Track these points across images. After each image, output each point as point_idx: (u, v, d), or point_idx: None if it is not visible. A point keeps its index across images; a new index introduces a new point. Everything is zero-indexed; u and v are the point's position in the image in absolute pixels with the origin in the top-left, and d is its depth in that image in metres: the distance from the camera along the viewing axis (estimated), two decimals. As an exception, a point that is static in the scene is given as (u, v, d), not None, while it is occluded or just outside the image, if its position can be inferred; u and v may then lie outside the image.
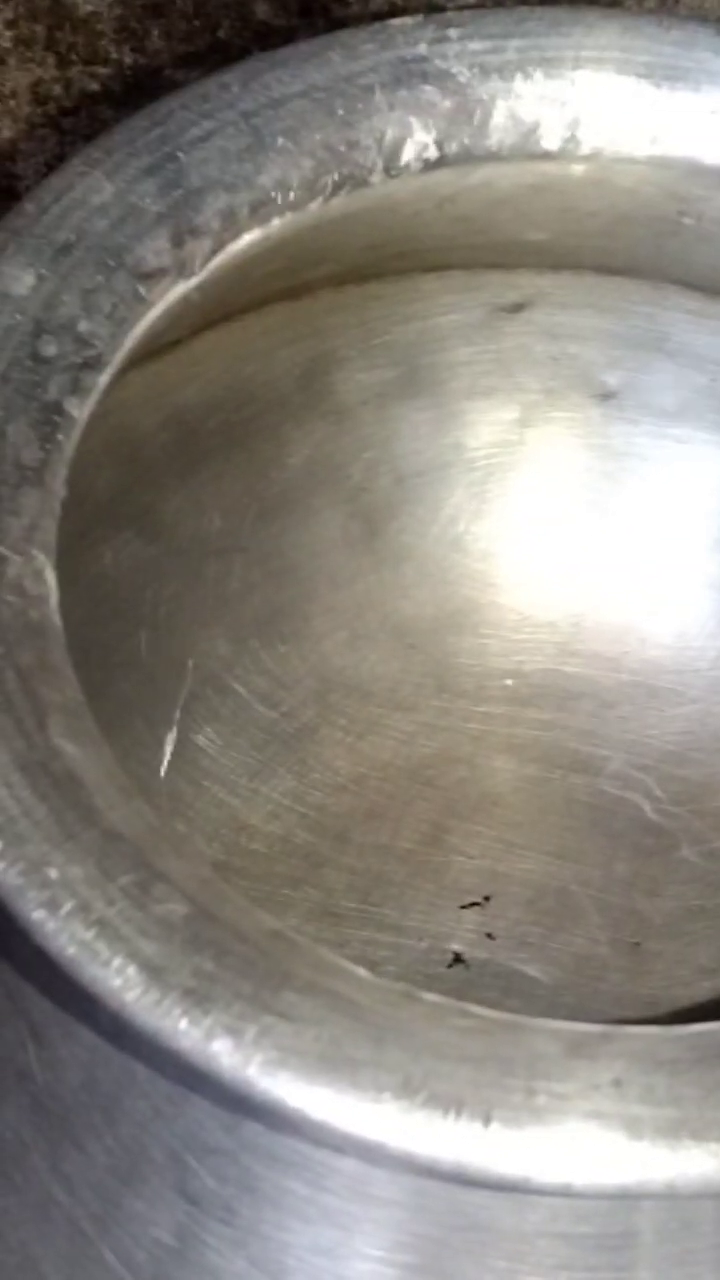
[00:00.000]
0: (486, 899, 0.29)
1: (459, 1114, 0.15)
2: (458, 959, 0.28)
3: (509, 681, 0.31)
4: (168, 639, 0.30)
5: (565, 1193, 0.15)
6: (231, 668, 0.30)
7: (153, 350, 0.27)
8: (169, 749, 0.28)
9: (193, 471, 0.30)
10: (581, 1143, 0.15)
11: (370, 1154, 0.16)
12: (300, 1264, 0.18)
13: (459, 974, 0.28)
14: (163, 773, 0.28)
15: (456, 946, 0.28)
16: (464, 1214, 0.18)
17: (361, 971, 0.17)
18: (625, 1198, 0.15)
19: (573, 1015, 0.27)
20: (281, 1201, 0.18)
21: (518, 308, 0.31)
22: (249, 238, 0.23)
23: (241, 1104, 0.16)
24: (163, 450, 0.29)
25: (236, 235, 0.23)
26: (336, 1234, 0.18)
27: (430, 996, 0.17)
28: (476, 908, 0.29)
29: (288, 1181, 0.18)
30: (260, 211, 0.23)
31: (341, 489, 0.31)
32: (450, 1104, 0.15)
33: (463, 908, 0.29)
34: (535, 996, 0.28)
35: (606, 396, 0.31)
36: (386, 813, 0.30)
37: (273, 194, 0.23)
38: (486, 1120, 0.15)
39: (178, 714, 0.29)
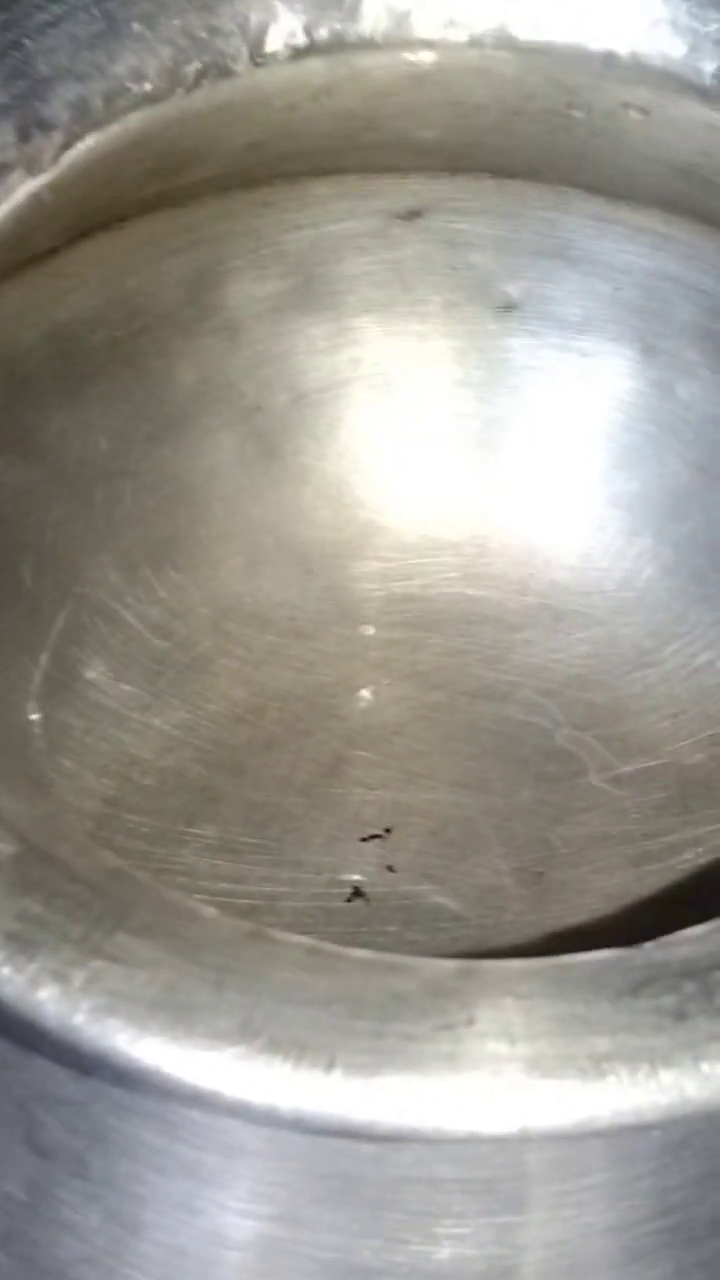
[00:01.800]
0: (387, 831, 0.28)
1: (299, 1059, 0.14)
2: (358, 893, 0.28)
3: (411, 606, 0.30)
4: (53, 568, 0.29)
5: (413, 1139, 0.14)
6: (122, 596, 0.29)
7: (25, 260, 0.26)
8: (38, 679, 0.27)
9: (76, 390, 0.29)
10: (429, 1086, 0.15)
11: (208, 1104, 0.15)
12: (157, 1217, 0.18)
13: (359, 908, 0.27)
14: (32, 704, 0.27)
15: (357, 880, 0.28)
16: (324, 1161, 0.17)
17: (208, 910, 0.16)
18: (476, 1143, 0.14)
19: (475, 947, 0.27)
20: (135, 1153, 0.17)
21: (414, 214, 0.30)
22: (106, 132, 0.22)
23: (73, 1058, 0.15)
24: (43, 368, 0.28)
25: (90, 129, 0.21)
26: (193, 1185, 0.17)
27: (281, 935, 0.16)
28: (377, 840, 0.28)
29: (141, 1132, 0.17)
30: (116, 103, 0.22)
31: (235, 408, 0.30)
32: (291, 1048, 0.15)
33: (363, 840, 0.28)
34: (438, 929, 0.27)
35: (508, 308, 0.30)
36: (285, 744, 0.29)
37: (128, 84, 0.22)
38: (329, 1065, 0.14)
39: (66, 646, 0.28)
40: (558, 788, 0.29)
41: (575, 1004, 0.15)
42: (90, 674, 0.29)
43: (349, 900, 0.27)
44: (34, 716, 0.26)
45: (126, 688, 0.29)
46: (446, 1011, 0.15)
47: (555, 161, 0.28)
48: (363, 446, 0.31)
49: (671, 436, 0.30)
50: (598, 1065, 0.15)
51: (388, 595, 0.31)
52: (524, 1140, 0.14)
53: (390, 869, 0.28)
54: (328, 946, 0.16)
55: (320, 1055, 0.15)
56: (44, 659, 0.28)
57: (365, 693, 0.30)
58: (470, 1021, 0.15)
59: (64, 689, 0.28)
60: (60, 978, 0.15)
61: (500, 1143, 0.14)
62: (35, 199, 0.22)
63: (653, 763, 0.29)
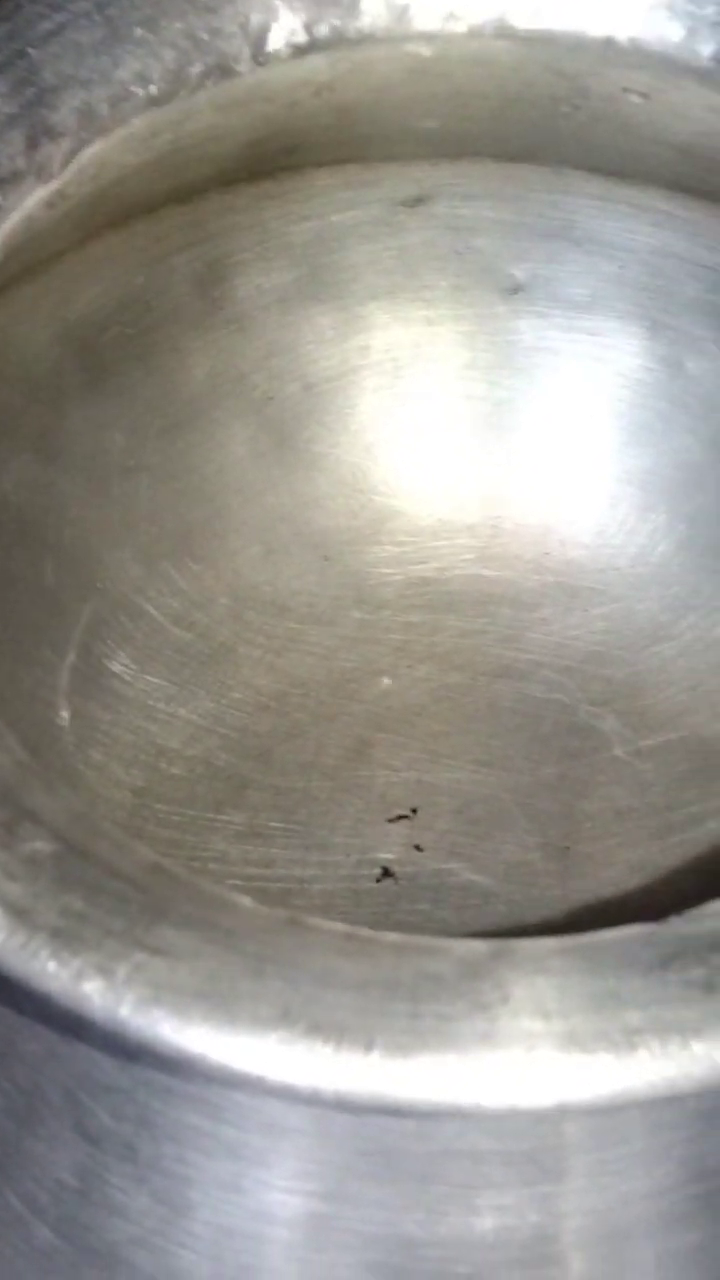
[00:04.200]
0: (414, 811, 0.28)
1: (340, 1042, 0.15)
2: (386, 873, 0.28)
3: (428, 589, 0.31)
4: (74, 563, 0.29)
5: (454, 1115, 0.15)
6: (143, 590, 0.29)
7: (37, 262, 0.26)
8: (66, 675, 0.27)
9: (90, 388, 0.29)
10: (467, 1064, 0.15)
11: (252, 1087, 0.15)
12: (205, 1198, 0.18)
13: (388, 888, 0.28)
14: (61, 700, 0.27)
15: (385, 860, 0.28)
16: (368, 1138, 0.17)
17: (245, 901, 0.16)
18: (514, 1118, 0.15)
19: (504, 923, 0.27)
20: (181, 1136, 0.18)
21: (417, 201, 0.30)
22: (113, 137, 0.22)
23: (120, 1046, 0.16)
24: (56, 367, 0.28)
25: (97, 134, 0.22)
26: (239, 1166, 0.18)
27: (316, 922, 0.16)
28: (404, 820, 0.28)
29: (186, 1116, 0.18)
30: (121, 108, 0.22)
31: (247, 400, 0.30)
32: (331, 1032, 0.15)
33: (390, 821, 0.28)
34: (466, 906, 0.28)
35: (514, 290, 0.31)
36: (309, 730, 0.29)
37: (133, 88, 0.22)
38: (369, 1047, 0.15)
39: (91, 640, 0.29)
40: (580, 763, 0.29)
41: (607, 979, 0.16)
42: (115, 667, 0.29)
43: (379, 881, 0.28)
44: (64, 714, 0.27)
45: (151, 679, 0.29)
46: (480, 991, 0.15)
47: (557, 145, 0.28)
48: (375, 433, 0.31)
49: (681, 412, 0.30)
50: (630, 1039, 0.15)
51: (405, 579, 0.31)
52: (560, 1114, 0.15)
53: (418, 848, 0.28)
54: (363, 932, 0.16)
55: (359, 1037, 0.15)
56: (71, 655, 0.29)
57: (386, 676, 0.30)
58: (504, 1000, 0.15)
59: (90, 683, 0.29)
60: (105, 971, 0.15)
61: (537, 1117, 0.15)
62: (47, 206, 0.22)
63: (673, 735, 0.29)
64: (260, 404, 0.30)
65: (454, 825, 0.28)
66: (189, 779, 0.28)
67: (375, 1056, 0.15)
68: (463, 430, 0.31)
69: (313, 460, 0.31)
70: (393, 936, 0.16)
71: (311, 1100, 0.15)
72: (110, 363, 0.29)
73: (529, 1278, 0.18)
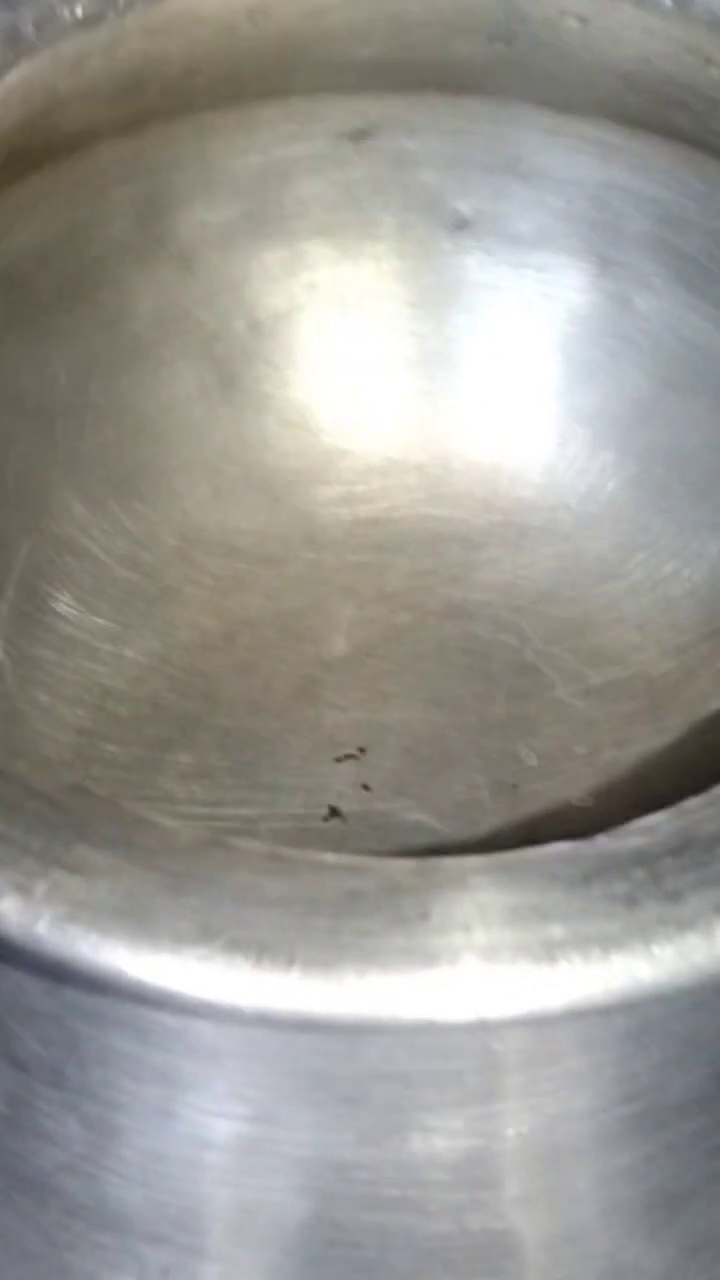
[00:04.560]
0: (362, 750, 0.28)
1: (260, 958, 0.15)
2: (334, 812, 0.28)
3: (377, 529, 0.31)
4: (17, 503, 0.29)
5: (373, 1030, 0.15)
6: (88, 529, 0.29)
7: (-29, 196, 0.26)
8: (4, 613, 0.27)
9: (32, 325, 0.29)
10: (389, 979, 0.15)
11: (172, 1005, 0.15)
12: (135, 1123, 0.18)
13: (336, 827, 0.28)
14: (5, 641, 0.27)
15: (333, 799, 0.28)
16: (296, 1060, 0.17)
17: (165, 822, 0.16)
18: (436, 1033, 0.15)
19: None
20: (109, 1061, 0.18)
21: (362, 135, 0.30)
22: (39, 59, 0.21)
23: (39, 965, 0.16)
24: (-2, 304, 0.28)
25: (22, 55, 0.21)
26: (167, 1090, 0.18)
27: (239, 842, 0.16)
28: (352, 760, 0.28)
29: (114, 1041, 0.18)
30: (46, 29, 0.22)
31: (193, 338, 0.30)
32: (251, 948, 0.15)
33: (338, 760, 0.28)
34: (414, 845, 0.28)
35: (460, 226, 0.30)
36: (256, 669, 0.29)
37: (59, 10, 0.22)
38: (289, 963, 0.15)
39: (15, 575, 0.28)
40: (529, 702, 0.29)
41: (529, 894, 0.16)
42: (59, 607, 0.29)
43: (326, 820, 0.28)
44: (1, 654, 0.26)
45: (96, 619, 0.29)
46: (402, 906, 0.15)
47: (500, 76, 0.28)
48: (322, 372, 0.31)
49: (630, 349, 0.30)
50: (550, 952, 0.15)
51: (353, 519, 0.31)
52: (482, 1028, 0.15)
53: (366, 788, 0.28)
54: (285, 851, 0.16)
55: (280, 953, 0.15)
56: (10, 594, 0.28)
57: (334, 616, 0.30)
58: (425, 915, 0.15)
59: (33, 623, 0.28)
60: (22, 889, 0.15)
61: (460, 1031, 0.15)
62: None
63: (622, 674, 0.29)
64: (206, 342, 0.30)
65: (402, 764, 0.28)
66: (135, 719, 0.28)
67: (295, 972, 0.15)
68: (411, 369, 0.31)
69: (260, 400, 0.30)
70: (316, 855, 0.16)
71: (232, 1017, 0.15)
72: (51, 300, 0.29)
73: (461, 1200, 0.19)
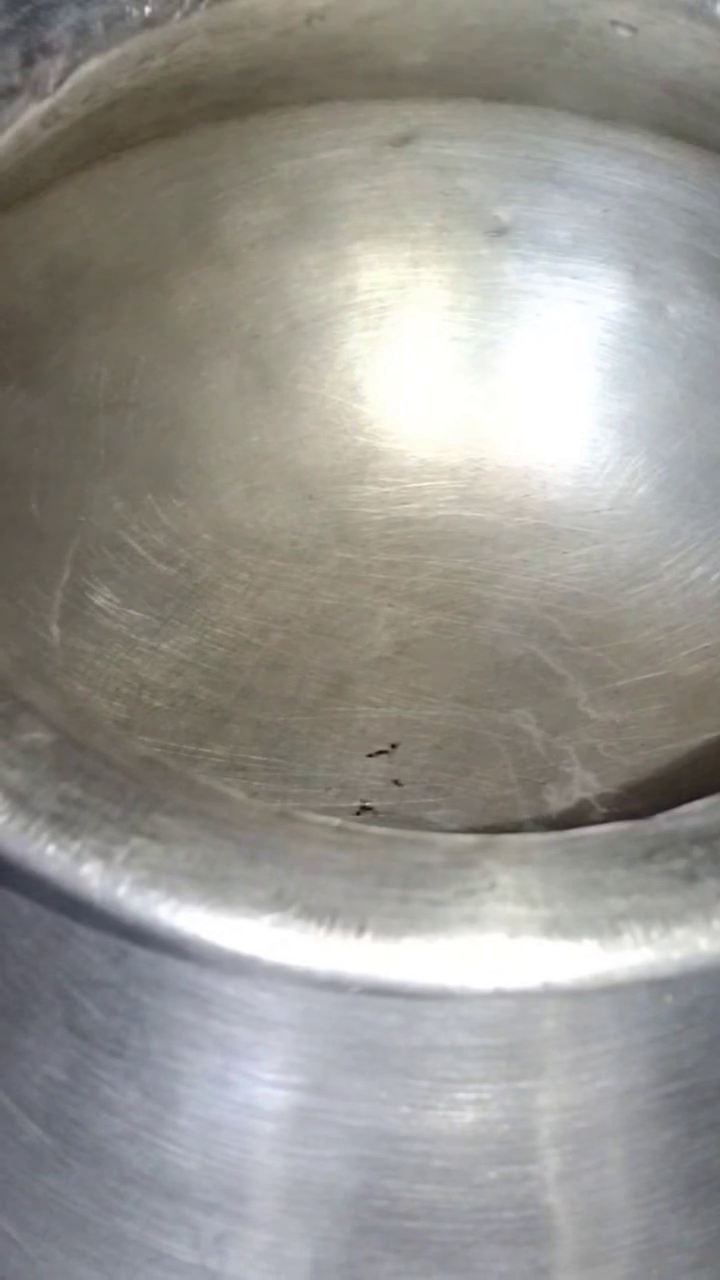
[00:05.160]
0: (394, 747, 0.29)
1: (333, 924, 0.15)
2: (365, 807, 0.28)
3: (410, 529, 0.31)
4: (58, 498, 0.29)
5: (442, 995, 0.15)
6: (126, 524, 0.30)
7: (23, 193, 0.26)
8: (58, 608, 0.27)
9: (76, 322, 0.29)
10: (456, 946, 0.15)
11: (246, 969, 0.15)
12: (192, 1091, 0.18)
13: (367, 822, 0.28)
14: (54, 631, 0.27)
15: (364, 795, 0.28)
16: (353, 1031, 0.18)
17: (236, 793, 0.17)
18: (503, 998, 0.15)
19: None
20: (170, 1030, 0.18)
21: (404, 140, 0.30)
22: (108, 56, 0.22)
23: (117, 928, 0.16)
24: (42, 300, 0.29)
25: (92, 53, 0.22)
26: (226, 1059, 0.18)
27: (307, 815, 0.17)
28: (384, 756, 0.29)
29: (175, 1010, 0.18)
30: (116, 27, 0.22)
31: (232, 337, 0.30)
32: (324, 914, 0.15)
33: (370, 756, 0.29)
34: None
35: (499, 232, 0.31)
36: (290, 665, 0.29)
37: (129, 8, 0.22)
38: (361, 929, 0.15)
39: (75, 573, 0.29)
40: (558, 701, 0.29)
41: (591, 870, 0.16)
42: (99, 600, 0.29)
43: (358, 814, 0.28)
44: (54, 634, 0.27)
45: (134, 613, 0.29)
46: (468, 878, 0.16)
47: (544, 85, 0.28)
48: (359, 373, 0.31)
49: (663, 356, 0.31)
50: (614, 924, 0.16)
51: (387, 519, 0.31)
52: (546, 995, 0.15)
53: (397, 783, 0.28)
54: (352, 825, 0.16)
55: (352, 920, 0.15)
56: (54, 587, 0.29)
57: (367, 615, 0.30)
58: (491, 886, 0.16)
59: (74, 615, 0.29)
60: (103, 854, 0.16)
61: (523, 999, 0.15)
62: (40, 124, 0.22)
63: (650, 675, 0.30)
64: (246, 342, 0.30)
65: (433, 761, 0.29)
66: (171, 712, 0.29)
67: (367, 938, 0.15)
68: (446, 372, 0.31)
69: (297, 399, 0.31)
70: (382, 830, 0.17)
71: (304, 981, 0.15)
72: (96, 296, 0.29)
73: (507, 1174, 0.19)
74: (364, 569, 0.31)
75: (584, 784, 0.29)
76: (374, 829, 0.16)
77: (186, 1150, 0.19)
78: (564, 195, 0.30)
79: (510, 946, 0.15)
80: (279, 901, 0.15)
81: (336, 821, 0.16)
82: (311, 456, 0.31)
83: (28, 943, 0.18)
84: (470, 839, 0.16)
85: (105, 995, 0.18)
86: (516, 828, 0.28)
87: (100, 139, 0.27)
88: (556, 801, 0.29)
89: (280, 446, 0.31)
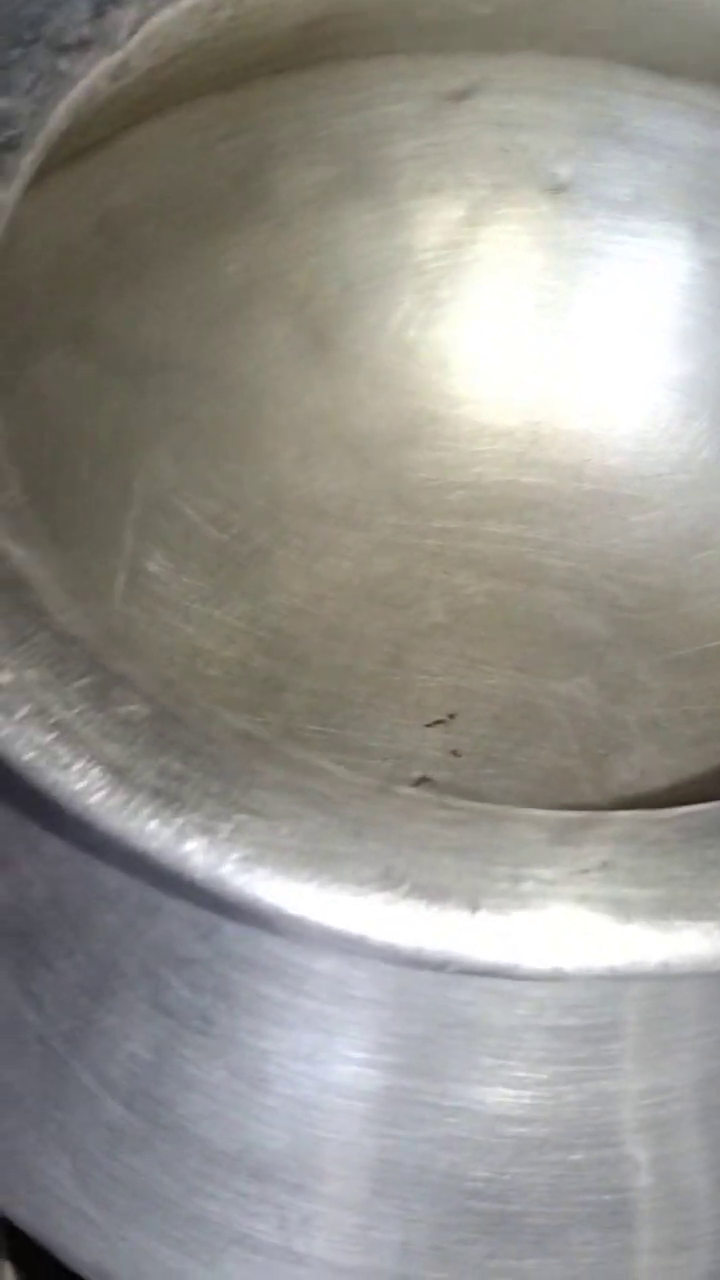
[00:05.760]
0: (451, 716, 0.28)
1: (445, 903, 0.15)
2: (423, 778, 0.28)
3: (466, 494, 0.30)
4: (110, 461, 0.28)
5: (556, 977, 0.15)
6: (179, 489, 0.29)
7: (80, 148, 0.26)
8: (121, 576, 0.27)
9: (127, 281, 0.28)
10: (570, 926, 0.15)
11: (353, 948, 0.15)
12: (280, 1070, 0.18)
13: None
14: (117, 599, 0.27)
15: (422, 766, 0.28)
16: (448, 1011, 0.17)
17: (337, 768, 0.16)
18: (617, 979, 0.15)
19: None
20: (259, 1008, 0.18)
21: (463, 95, 0.29)
22: (179, 7, 0.21)
23: (216, 905, 0.16)
24: (95, 259, 0.28)
25: (163, 3, 0.21)
26: (317, 1038, 0.18)
27: (407, 790, 0.16)
28: (441, 726, 0.28)
29: (265, 987, 0.18)
30: (187, -25, 0.21)
31: (286, 298, 0.30)
32: (435, 893, 0.15)
33: (427, 726, 0.28)
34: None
35: (558, 189, 0.30)
36: (345, 634, 0.29)
37: (201, -44, 0.21)
38: (473, 908, 0.15)
39: (129, 539, 0.28)
40: (618, 671, 0.29)
41: (706, 849, 0.15)
42: (152, 567, 0.29)
43: (415, 785, 0.28)
44: (118, 594, 0.26)
45: (187, 580, 0.29)
46: (579, 858, 0.15)
47: (608, 37, 0.28)
48: (413, 335, 0.31)
49: (726, 316, 0.30)
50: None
51: (442, 484, 0.31)
52: (665, 977, 0.15)
53: (455, 754, 0.28)
54: (455, 800, 0.16)
55: (463, 899, 0.15)
56: (107, 551, 0.28)
57: (423, 582, 0.30)
58: (603, 865, 0.15)
59: (128, 582, 0.28)
60: (207, 830, 0.15)
61: (638, 981, 0.15)
62: (110, 77, 0.21)
63: (713, 644, 0.29)
64: (300, 303, 0.30)
65: (491, 731, 0.28)
66: (225, 680, 0.28)
67: (481, 917, 0.15)
68: (504, 334, 0.31)
69: (351, 361, 0.30)
70: (485, 805, 0.16)
71: (413, 961, 0.15)
72: (148, 255, 0.28)
73: (601, 1156, 0.18)
74: (419, 535, 0.30)
75: (645, 755, 0.28)
76: (477, 804, 0.16)
77: (274, 1130, 0.18)
78: (626, 151, 0.30)
79: (626, 928, 0.15)
80: (388, 880, 0.15)
81: (437, 796, 0.16)
82: (366, 420, 0.30)
83: (113, 919, 0.18)
84: (576, 816, 0.16)
85: (193, 972, 0.18)
86: (578, 802, 0.28)
87: (159, 93, 0.26)
88: (620, 772, 0.28)
89: (334, 410, 0.30)
